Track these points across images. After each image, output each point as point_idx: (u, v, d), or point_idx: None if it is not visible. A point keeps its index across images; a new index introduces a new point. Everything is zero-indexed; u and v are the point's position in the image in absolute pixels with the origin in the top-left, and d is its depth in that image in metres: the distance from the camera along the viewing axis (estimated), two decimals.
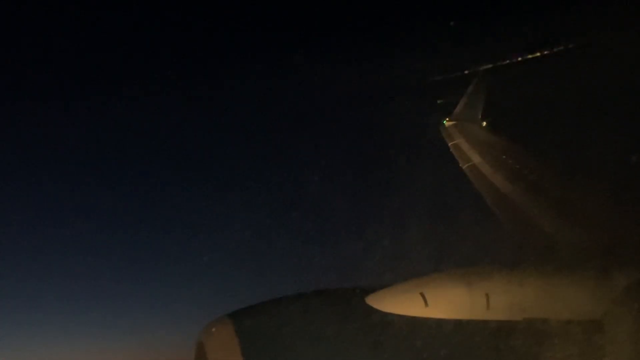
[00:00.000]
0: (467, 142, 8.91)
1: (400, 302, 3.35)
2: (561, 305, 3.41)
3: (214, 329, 3.20)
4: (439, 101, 10.24)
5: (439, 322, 3.28)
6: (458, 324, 3.29)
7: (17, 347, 12.89)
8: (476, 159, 8.17)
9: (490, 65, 9.65)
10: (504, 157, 7.89)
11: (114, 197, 13.43)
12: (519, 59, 9.27)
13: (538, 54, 9.11)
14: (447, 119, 10.06)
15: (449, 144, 9.27)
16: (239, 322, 3.16)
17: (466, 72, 9.89)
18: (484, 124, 9.87)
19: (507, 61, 9.36)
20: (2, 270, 13.18)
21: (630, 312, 3.25)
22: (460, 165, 8.40)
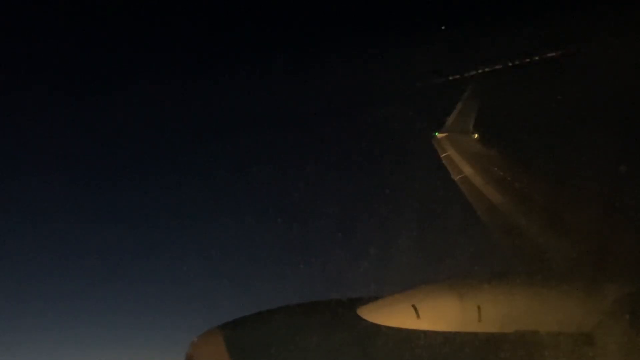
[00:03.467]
0: (458, 154, 8.97)
1: (391, 314, 3.33)
2: (552, 316, 3.41)
3: (203, 341, 3.17)
4: (417, 109, 10.19)
5: (431, 334, 3.26)
6: (450, 335, 3.28)
7: (14, 349, 12.69)
8: (467, 170, 8.22)
9: (480, 71, 9.69)
10: (495, 168, 7.95)
11: (113, 200, 13.31)
12: (510, 64, 9.29)
13: (528, 61, 9.14)
14: (439, 131, 10.13)
15: (441, 155, 9.32)
16: (228, 333, 3.13)
17: (458, 77, 9.90)
18: (476, 135, 9.94)
19: (499, 67, 9.39)
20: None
21: (620, 323, 3.25)
22: (451, 176, 8.44)
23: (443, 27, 9.63)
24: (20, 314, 12.83)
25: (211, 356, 3.09)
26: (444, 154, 9.28)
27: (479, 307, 3.37)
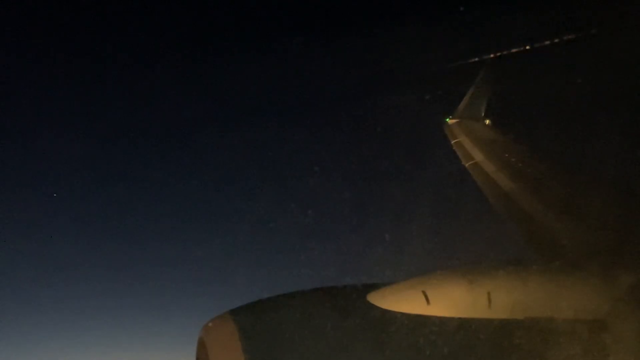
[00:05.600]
0: (470, 140, 8.87)
1: (402, 300, 3.34)
2: (564, 304, 3.39)
3: (215, 326, 3.20)
4: (438, 92, 10.04)
5: (441, 321, 3.27)
6: (460, 322, 3.28)
7: (17, 350, 12.94)
8: (479, 157, 8.13)
9: (492, 55, 9.46)
10: (507, 155, 7.86)
11: (114, 198, 13.44)
12: (523, 48, 9.05)
13: (543, 45, 8.88)
14: (450, 116, 10.02)
15: (452, 142, 9.23)
16: (240, 319, 3.16)
17: (473, 60, 9.69)
18: (487, 121, 9.83)
19: (512, 50, 9.15)
20: (1, 273, 13.21)
21: (635, 311, 3.23)
22: (462, 163, 8.37)
23: (458, 9, 9.41)
24: (26, 315, 13.08)
25: (223, 340, 3.12)
26: (455, 140, 9.19)
27: (489, 294, 3.36)
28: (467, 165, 8.20)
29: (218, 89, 12.36)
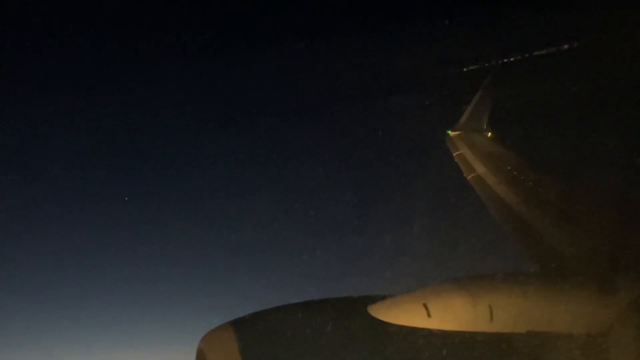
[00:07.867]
0: (471, 152, 8.89)
1: (402, 313, 3.33)
2: (565, 317, 3.38)
3: (214, 337, 3.20)
4: (427, 102, 10.04)
5: (442, 334, 3.25)
6: (461, 335, 3.27)
7: (18, 350, 12.90)
8: (480, 169, 8.15)
9: (497, 62, 9.44)
10: (508, 167, 7.87)
11: (118, 198, 13.44)
12: (526, 56, 9.02)
13: (547, 53, 8.86)
14: (452, 128, 10.04)
15: (453, 154, 9.26)
16: (239, 329, 3.15)
17: (474, 67, 9.67)
18: (489, 134, 9.85)
19: (516, 57, 9.13)
20: (3, 274, 13.20)
21: (636, 324, 3.21)
22: (464, 175, 8.38)
23: (462, 17, 9.44)
24: (27, 315, 13.04)
25: (222, 351, 3.11)
26: (457, 153, 9.21)
27: (490, 307, 3.35)
28: (468, 177, 8.21)
29: (223, 90, 12.40)
